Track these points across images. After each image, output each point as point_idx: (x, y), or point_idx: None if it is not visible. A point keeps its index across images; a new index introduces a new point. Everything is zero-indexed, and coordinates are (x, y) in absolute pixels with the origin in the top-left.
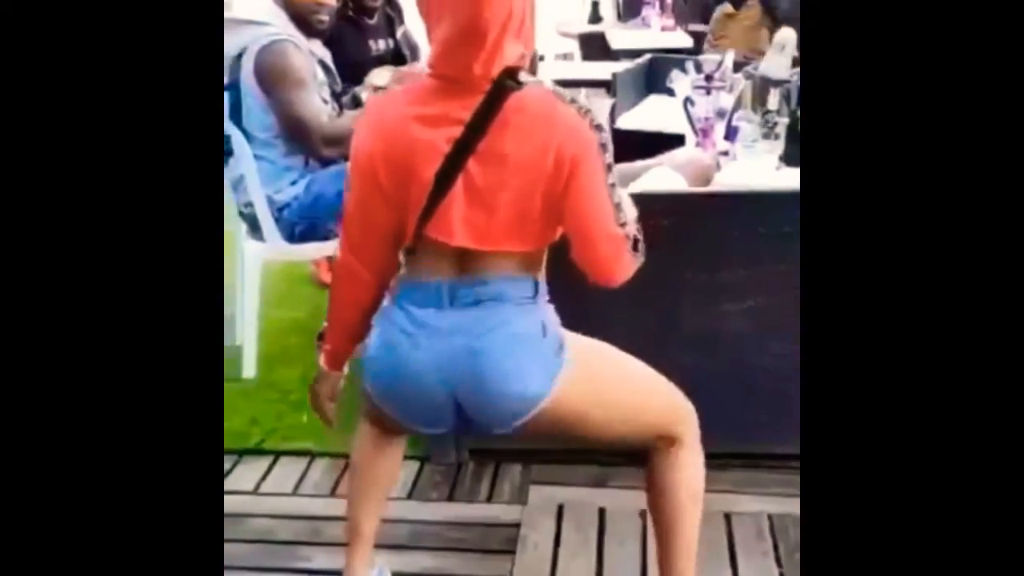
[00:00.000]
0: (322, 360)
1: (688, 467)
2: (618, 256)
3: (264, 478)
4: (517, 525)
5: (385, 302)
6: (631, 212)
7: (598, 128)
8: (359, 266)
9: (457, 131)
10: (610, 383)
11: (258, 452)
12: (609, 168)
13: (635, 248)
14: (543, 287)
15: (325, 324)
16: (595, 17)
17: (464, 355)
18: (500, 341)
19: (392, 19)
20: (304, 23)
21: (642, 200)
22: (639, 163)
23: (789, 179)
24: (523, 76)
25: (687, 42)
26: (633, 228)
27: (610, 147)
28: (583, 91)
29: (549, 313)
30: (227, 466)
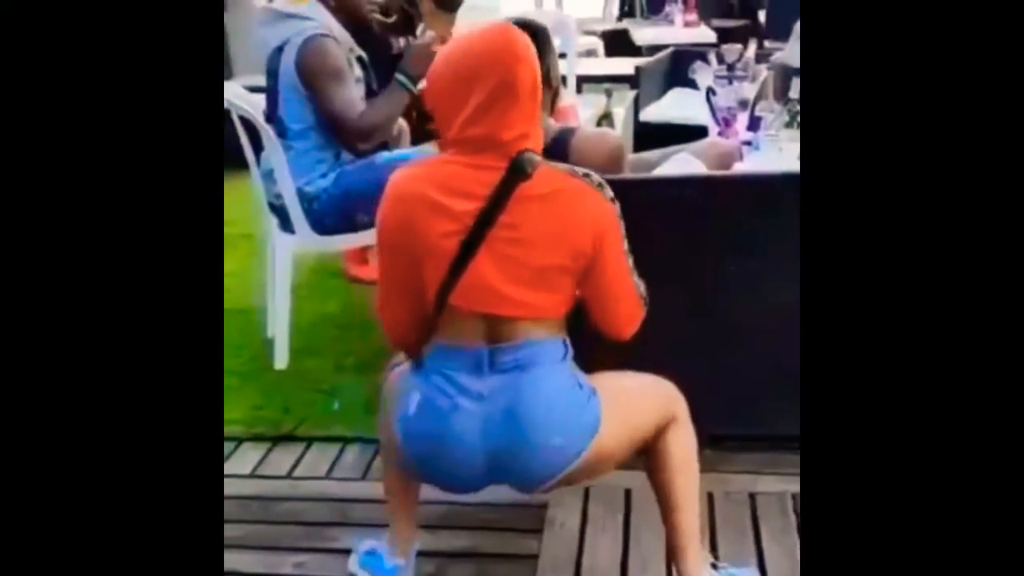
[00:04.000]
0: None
1: (684, 442)
2: (639, 314)
3: (297, 463)
4: (545, 506)
5: (420, 366)
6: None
7: (613, 200)
8: (393, 327)
9: (477, 206)
10: (627, 410)
11: (291, 439)
12: (624, 237)
13: (644, 302)
14: (570, 348)
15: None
16: (623, 13)
17: (507, 417)
18: (542, 400)
19: (411, 16)
20: (348, 20)
21: (668, 184)
22: (659, 151)
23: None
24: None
25: (710, 37)
26: (641, 286)
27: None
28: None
29: (579, 376)
30: (261, 453)
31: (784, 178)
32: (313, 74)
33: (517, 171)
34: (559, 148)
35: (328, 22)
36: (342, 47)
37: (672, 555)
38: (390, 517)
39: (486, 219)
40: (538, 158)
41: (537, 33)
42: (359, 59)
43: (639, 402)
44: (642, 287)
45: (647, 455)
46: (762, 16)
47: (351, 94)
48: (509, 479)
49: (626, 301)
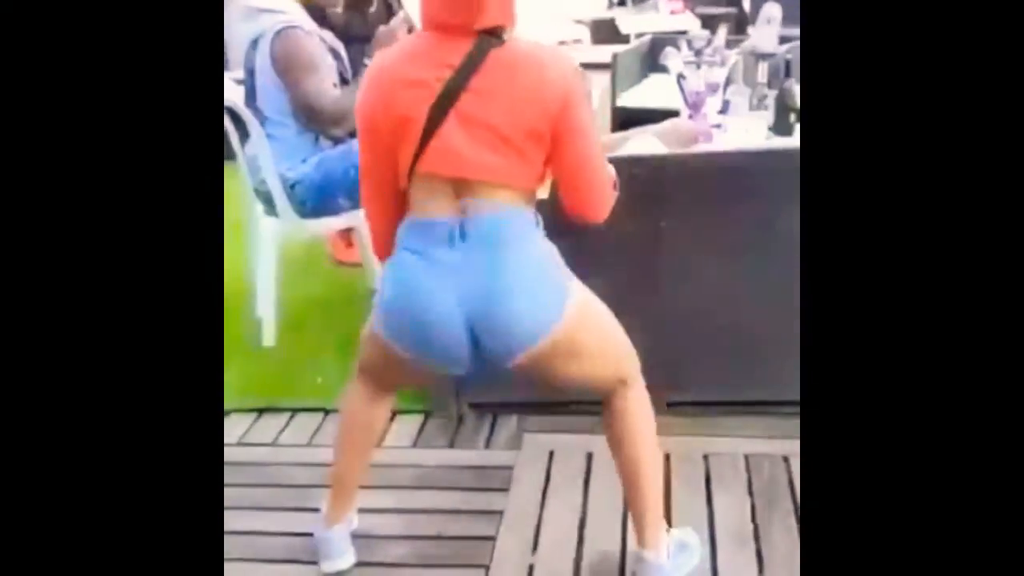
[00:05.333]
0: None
1: (643, 406)
2: (609, 194)
3: (283, 431)
4: (510, 468)
5: (396, 248)
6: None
7: (583, 76)
8: (373, 214)
9: (448, 73)
10: (598, 327)
11: (277, 410)
12: (591, 113)
13: (615, 187)
14: (540, 220)
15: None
16: (612, 2)
17: (481, 287)
18: (514, 269)
19: (390, 4)
20: (317, 12)
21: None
22: (621, 133)
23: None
24: (508, 34)
25: (695, 24)
26: (612, 170)
27: (591, 97)
28: (593, 74)
29: (553, 250)
30: (250, 422)
31: (731, 155)
32: (286, 64)
33: (486, 40)
34: None
35: (299, 14)
36: (313, 37)
37: (635, 519)
38: (338, 480)
39: (456, 84)
40: (511, 33)
41: None
42: (331, 49)
43: (610, 327)
44: (612, 171)
45: (608, 414)
46: (747, 3)
47: (323, 82)
48: (486, 349)
49: (596, 177)
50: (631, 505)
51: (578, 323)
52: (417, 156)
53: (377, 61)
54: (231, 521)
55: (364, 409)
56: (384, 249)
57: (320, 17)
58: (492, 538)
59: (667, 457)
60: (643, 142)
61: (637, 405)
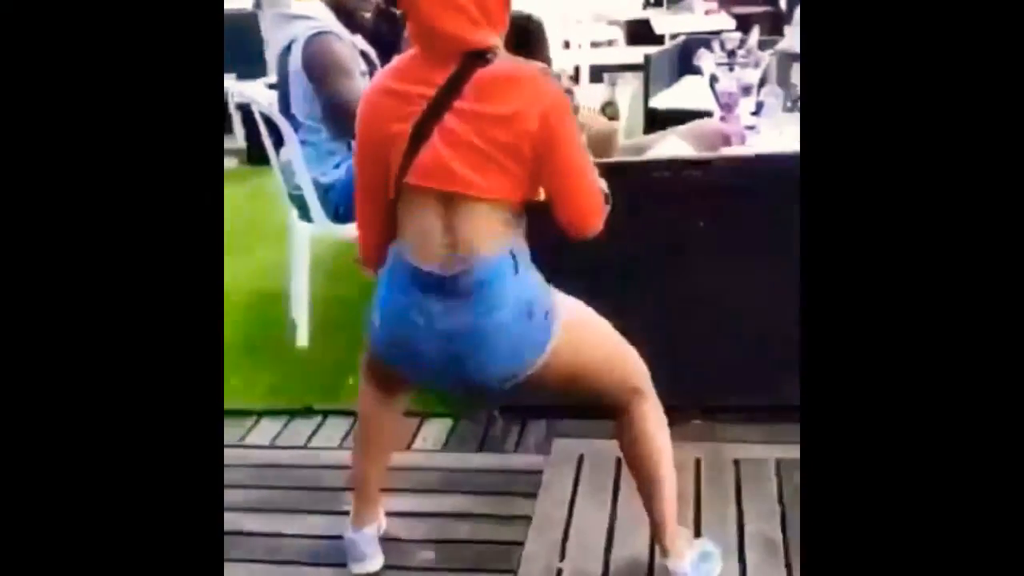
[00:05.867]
0: (366, 271)
1: (656, 415)
2: (599, 206)
3: (314, 434)
4: (539, 472)
5: (383, 277)
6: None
7: (568, 92)
8: (363, 224)
9: (432, 92)
10: (595, 344)
11: (309, 412)
12: (580, 128)
13: (606, 200)
14: (524, 257)
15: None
16: (648, 3)
17: (458, 339)
18: (491, 327)
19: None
20: (349, 17)
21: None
22: (646, 137)
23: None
24: (493, 54)
25: (730, 24)
26: (603, 184)
27: (580, 110)
28: (626, 75)
29: (534, 287)
30: (281, 424)
31: (759, 159)
32: (318, 70)
33: (470, 59)
34: None
35: (331, 20)
36: (345, 43)
37: (653, 529)
38: (358, 482)
39: (439, 102)
40: (499, 53)
41: (532, 25)
42: (363, 53)
43: (611, 344)
44: (604, 184)
45: (621, 424)
46: (783, 2)
47: (355, 86)
48: (476, 379)
49: (585, 191)
50: (650, 514)
51: (569, 344)
52: (405, 169)
53: (376, 76)
54: (258, 523)
55: (375, 409)
56: (372, 260)
57: (351, 23)
58: (520, 543)
59: (697, 463)
60: (668, 144)
61: (652, 414)
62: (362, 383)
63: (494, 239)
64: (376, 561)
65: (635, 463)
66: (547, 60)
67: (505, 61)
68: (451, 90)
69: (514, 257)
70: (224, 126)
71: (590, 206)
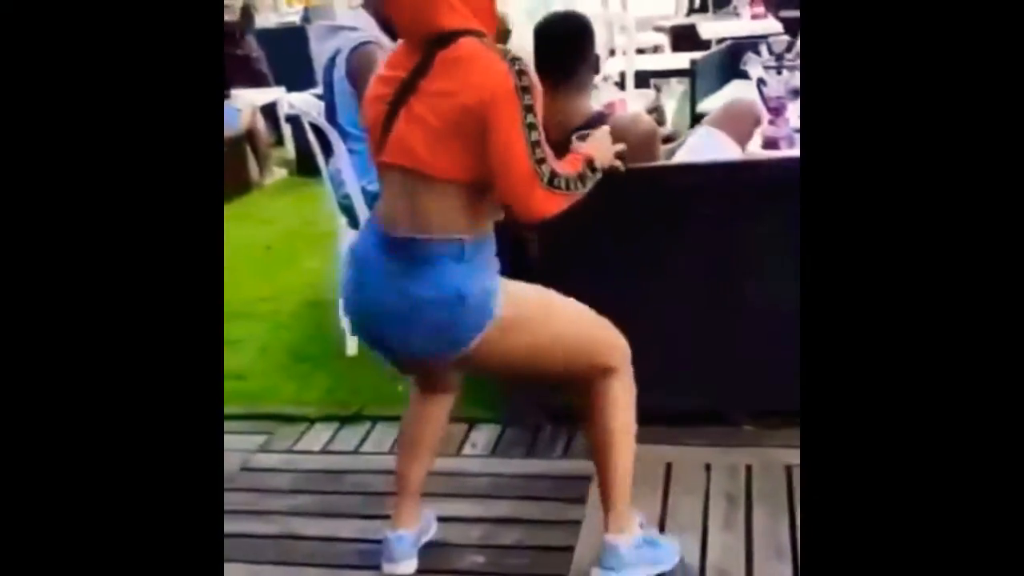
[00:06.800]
0: None
1: (621, 398)
2: (531, 191)
3: (364, 440)
4: (589, 478)
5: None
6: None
7: (520, 73)
8: None
9: (401, 75)
10: (545, 326)
11: (359, 418)
12: (529, 109)
13: (552, 183)
14: (475, 246)
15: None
16: (692, 8)
17: (407, 294)
18: (420, 304)
19: None
20: (391, 28)
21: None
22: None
23: None
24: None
25: (777, 29)
26: (557, 165)
27: (536, 90)
28: (672, 81)
29: (475, 277)
30: (332, 430)
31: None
32: (362, 79)
33: (431, 45)
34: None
35: (374, 30)
36: (387, 52)
37: (602, 503)
38: (398, 481)
39: (405, 86)
40: (485, 41)
41: (574, 22)
42: None
43: (567, 325)
44: (550, 169)
45: (587, 398)
46: None
47: None
48: (418, 350)
49: (515, 170)
50: (600, 488)
51: (510, 332)
52: (380, 147)
53: (384, 61)
54: (309, 527)
55: (416, 409)
56: None
57: (394, 32)
58: (570, 548)
59: (748, 469)
60: (700, 135)
61: (618, 392)
62: (412, 386)
63: (447, 222)
64: (408, 564)
65: (591, 439)
66: (591, 57)
67: (471, 42)
68: (418, 72)
69: (461, 244)
70: (278, 136)
71: (522, 189)
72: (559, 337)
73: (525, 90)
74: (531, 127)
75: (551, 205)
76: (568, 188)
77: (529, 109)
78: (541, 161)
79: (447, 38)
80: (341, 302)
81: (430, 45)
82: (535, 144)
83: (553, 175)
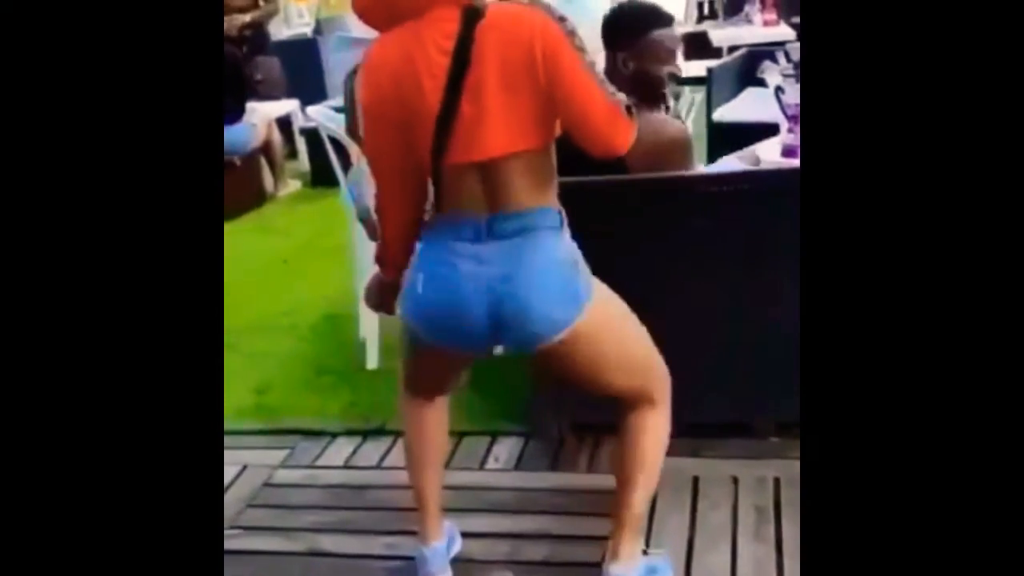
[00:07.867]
0: (383, 273)
1: (659, 429)
2: (616, 122)
3: (387, 454)
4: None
5: (420, 244)
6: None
7: (561, 19)
8: (393, 214)
9: (446, 61)
10: (623, 329)
11: (381, 432)
12: (581, 49)
13: (629, 113)
14: (565, 219)
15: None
16: (703, 15)
17: (503, 281)
18: (536, 266)
19: None
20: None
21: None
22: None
23: None
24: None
25: (789, 36)
26: (622, 97)
27: (578, 33)
28: (686, 89)
29: (576, 249)
30: (354, 445)
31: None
32: None
33: (471, 16)
34: None
35: None
36: None
37: (613, 530)
38: (415, 496)
39: (458, 70)
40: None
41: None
42: None
43: (637, 337)
44: (621, 97)
45: (623, 426)
46: None
47: None
48: (506, 338)
49: (598, 109)
50: (614, 515)
51: (599, 327)
52: (439, 147)
53: (374, 48)
54: (333, 543)
55: (416, 421)
56: (393, 263)
57: None
58: (597, 564)
59: (776, 482)
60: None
61: (655, 426)
62: (403, 398)
63: (537, 193)
64: None
65: (618, 463)
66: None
67: (495, 6)
68: (463, 52)
69: (560, 214)
70: (292, 148)
71: (608, 122)
72: (630, 348)
73: (572, 34)
74: (592, 65)
75: (631, 134)
76: (635, 119)
77: (582, 49)
78: (614, 94)
79: (476, 9)
80: (411, 308)
81: (465, 22)
82: (602, 80)
83: (627, 105)
